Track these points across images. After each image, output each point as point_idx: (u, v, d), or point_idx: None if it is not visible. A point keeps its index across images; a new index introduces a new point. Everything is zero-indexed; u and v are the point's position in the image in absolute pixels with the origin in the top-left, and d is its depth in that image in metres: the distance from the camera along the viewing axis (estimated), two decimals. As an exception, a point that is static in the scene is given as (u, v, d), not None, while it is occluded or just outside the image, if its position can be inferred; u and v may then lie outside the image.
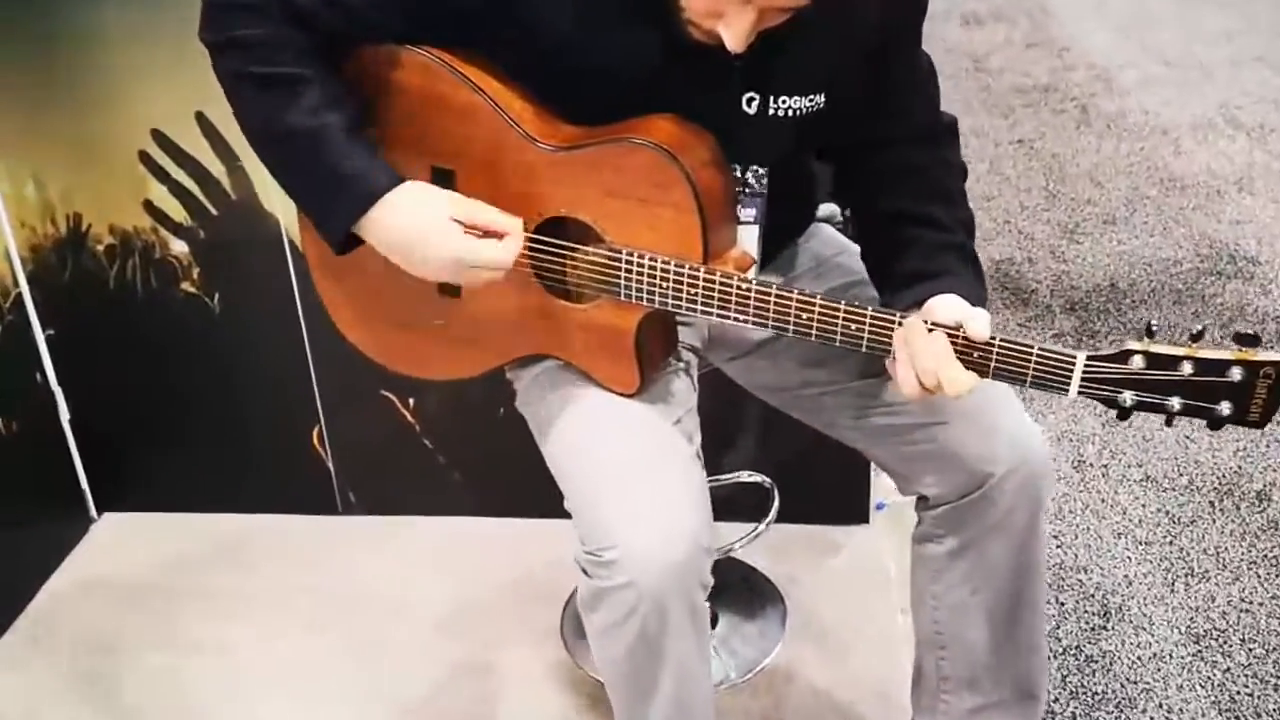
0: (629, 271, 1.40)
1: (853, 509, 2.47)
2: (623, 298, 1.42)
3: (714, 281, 1.37)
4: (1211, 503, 2.53)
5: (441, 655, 2.20)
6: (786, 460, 2.33)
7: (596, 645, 1.48)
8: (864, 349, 1.36)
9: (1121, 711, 2.04)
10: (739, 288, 1.36)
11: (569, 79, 1.41)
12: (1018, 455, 1.51)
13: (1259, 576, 2.33)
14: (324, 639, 2.26)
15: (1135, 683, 2.09)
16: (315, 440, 2.47)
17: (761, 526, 2.19)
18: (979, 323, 1.30)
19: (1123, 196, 3.93)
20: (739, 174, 1.46)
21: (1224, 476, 2.60)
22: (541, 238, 1.44)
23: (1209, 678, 2.10)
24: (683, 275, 1.38)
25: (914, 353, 1.32)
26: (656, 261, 1.38)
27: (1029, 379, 1.29)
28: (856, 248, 1.73)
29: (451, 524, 2.54)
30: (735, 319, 1.39)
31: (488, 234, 1.40)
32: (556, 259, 1.46)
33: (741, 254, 1.43)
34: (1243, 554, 2.39)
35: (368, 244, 1.42)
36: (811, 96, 1.43)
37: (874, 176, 1.53)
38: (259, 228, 2.27)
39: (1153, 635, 2.19)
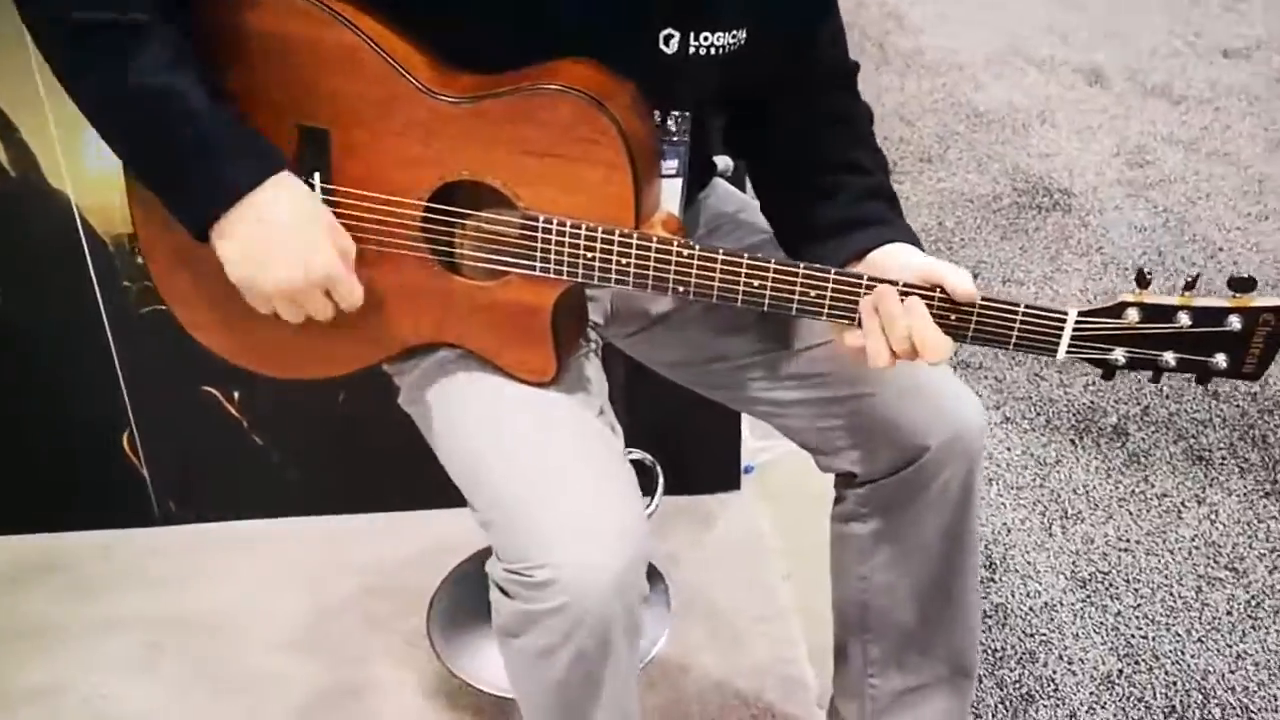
0: (548, 241, 1.20)
1: (724, 475, 2.35)
2: (538, 272, 1.22)
3: (649, 249, 1.19)
4: (1072, 441, 2.51)
5: (301, 679, 1.97)
6: (654, 431, 2.18)
7: (521, 673, 1.29)
8: (824, 318, 1.20)
9: (1024, 666, 1.98)
10: (680, 255, 1.18)
11: (463, 17, 1.19)
12: (958, 424, 1.39)
13: (1130, 514, 2.31)
14: (165, 672, 2.00)
15: (1032, 635, 2.03)
16: (126, 446, 2.19)
17: (650, 507, 2.03)
18: (963, 281, 1.16)
19: (934, 134, 3.90)
20: (659, 120, 1.28)
21: (1079, 413, 2.58)
22: (438, 206, 1.23)
23: (1102, 623, 2.06)
24: (611, 243, 1.19)
25: (887, 318, 1.17)
26: (580, 229, 1.19)
27: (1013, 341, 1.16)
28: (755, 203, 1.58)
29: (289, 526, 2.29)
30: (674, 291, 1.21)
31: None
32: (454, 230, 1.25)
33: (667, 216, 1.24)
34: (1110, 491, 2.36)
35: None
36: (734, 33, 1.26)
37: (796, 126, 1.37)
38: (45, 207, 1.98)
39: (1040, 584, 2.14)
